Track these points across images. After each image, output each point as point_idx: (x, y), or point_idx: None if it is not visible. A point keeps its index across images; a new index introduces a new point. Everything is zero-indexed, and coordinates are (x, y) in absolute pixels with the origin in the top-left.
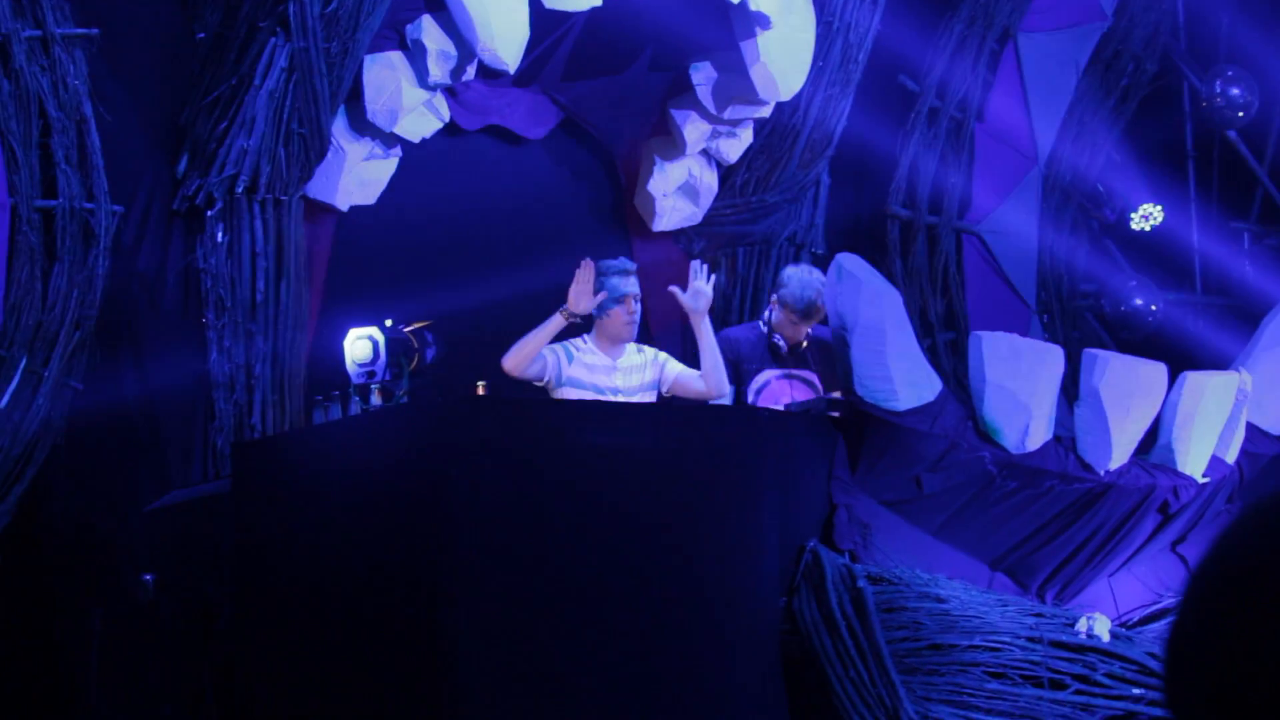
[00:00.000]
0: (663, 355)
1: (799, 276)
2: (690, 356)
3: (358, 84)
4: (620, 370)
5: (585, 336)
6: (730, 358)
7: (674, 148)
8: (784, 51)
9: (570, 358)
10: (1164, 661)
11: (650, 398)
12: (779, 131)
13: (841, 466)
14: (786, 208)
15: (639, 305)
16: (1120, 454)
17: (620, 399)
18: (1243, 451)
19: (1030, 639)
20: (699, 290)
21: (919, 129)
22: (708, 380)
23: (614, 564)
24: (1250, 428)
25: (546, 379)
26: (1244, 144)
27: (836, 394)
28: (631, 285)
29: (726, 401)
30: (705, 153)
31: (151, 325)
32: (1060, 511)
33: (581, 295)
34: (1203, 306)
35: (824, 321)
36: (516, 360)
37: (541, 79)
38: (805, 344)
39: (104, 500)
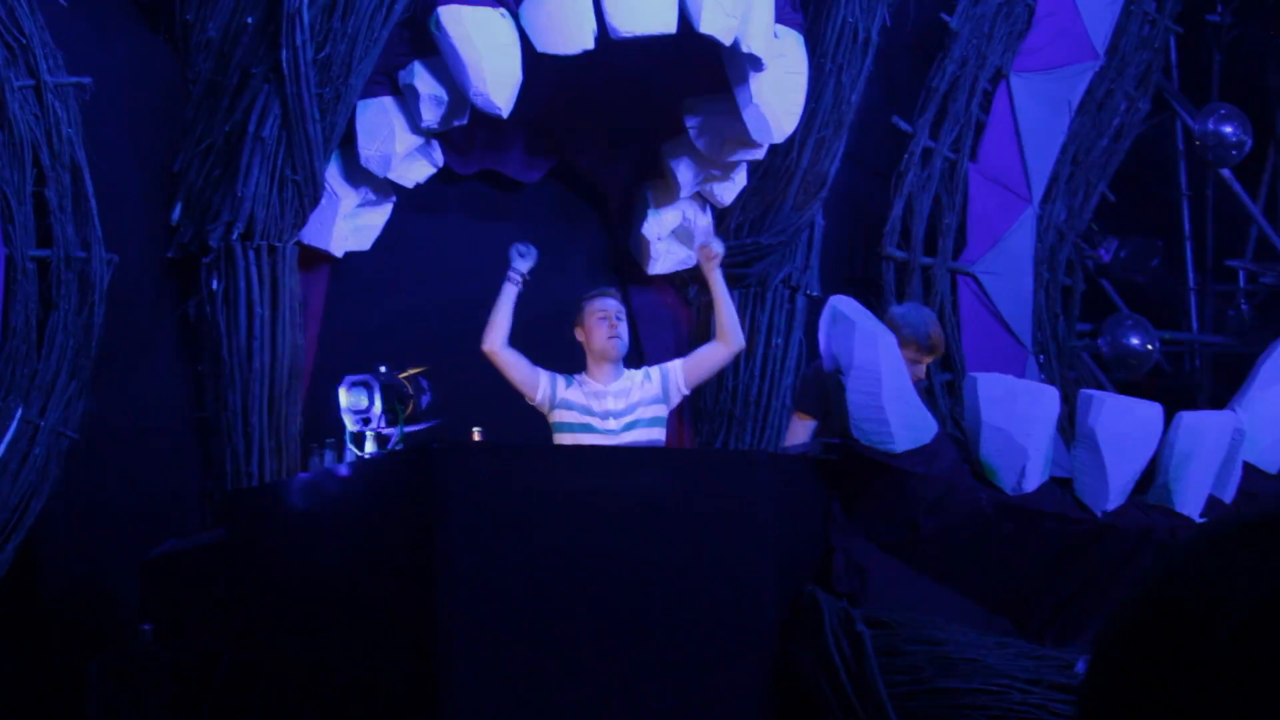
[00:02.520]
0: (662, 366)
1: (912, 314)
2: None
3: (351, 130)
4: (612, 394)
5: (580, 374)
6: None
7: (668, 191)
8: (777, 94)
9: (569, 382)
10: (1077, 707)
11: (658, 411)
12: (772, 174)
13: (838, 510)
14: (781, 250)
15: (622, 323)
16: (1117, 494)
17: (611, 423)
18: (1240, 491)
19: (1030, 681)
20: (707, 249)
21: (912, 170)
22: (726, 336)
23: (610, 609)
24: (1247, 467)
25: (540, 398)
26: (1237, 182)
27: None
28: (611, 304)
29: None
30: (699, 196)
31: (147, 374)
32: (1058, 553)
33: (514, 254)
34: (1199, 346)
35: (933, 354)
36: (490, 336)
37: (535, 123)
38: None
39: (101, 550)
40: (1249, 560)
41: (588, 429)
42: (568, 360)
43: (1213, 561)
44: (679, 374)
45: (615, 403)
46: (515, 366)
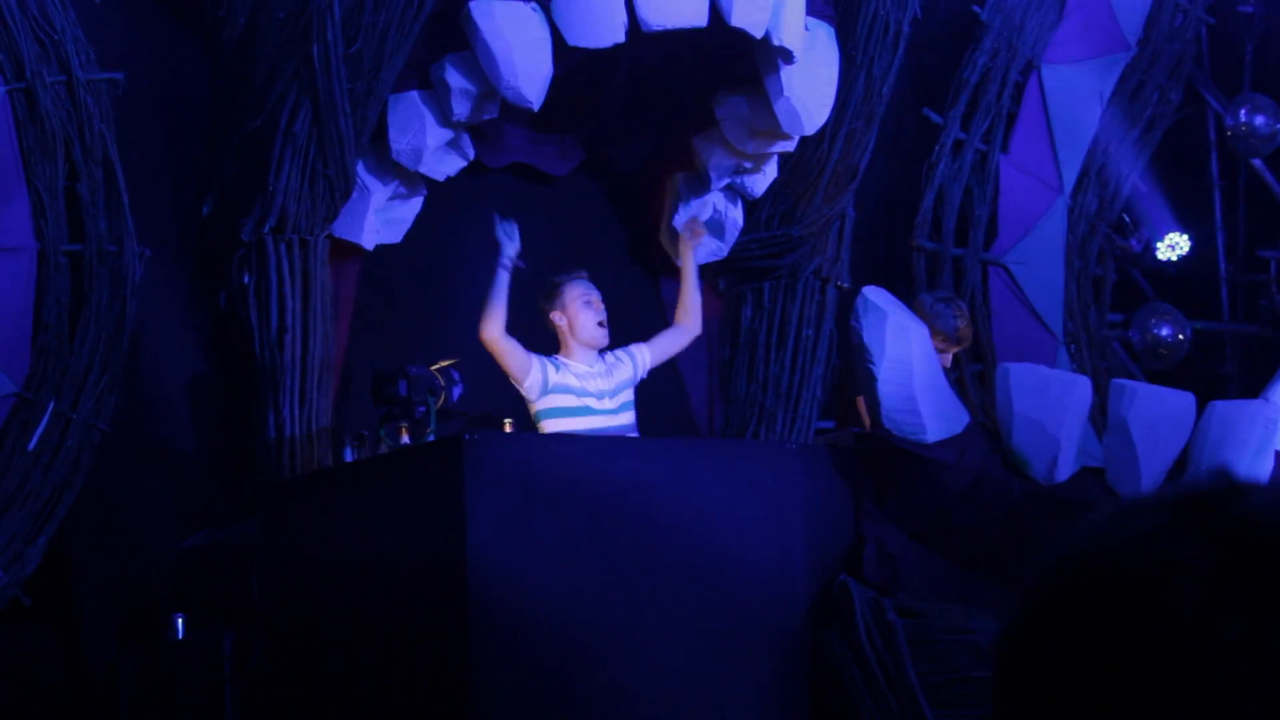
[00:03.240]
0: (628, 349)
1: (941, 304)
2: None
3: (382, 123)
4: (598, 376)
5: (556, 356)
6: None
7: (699, 183)
8: (808, 86)
9: (558, 367)
10: (993, 663)
11: (631, 395)
12: (803, 166)
13: (870, 500)
14: (812, 242)
15: (604, 308)
16: (1149, 484)
17: (607, 402)
18: (1272, 480)
19: None
20: (695, 223)
21: (943, 161)
22: (690, 317)
23: (641, 599)
24: (1279, 456)
25: (530, 383)
26: (1269, 172)
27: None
28: (593, 288)
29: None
30: (730, 188)
31: (178, 367)
32: None
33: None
34: (1230, 335)
35: (960, 345)
36: (489, 325)
37: (565, 116)
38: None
39: (133, 541)
40: (1198, 531)
41: (586, 410)
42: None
43: (1159, 532)
44: (645, 359)
45: (604, 383)
46: (512, 354)
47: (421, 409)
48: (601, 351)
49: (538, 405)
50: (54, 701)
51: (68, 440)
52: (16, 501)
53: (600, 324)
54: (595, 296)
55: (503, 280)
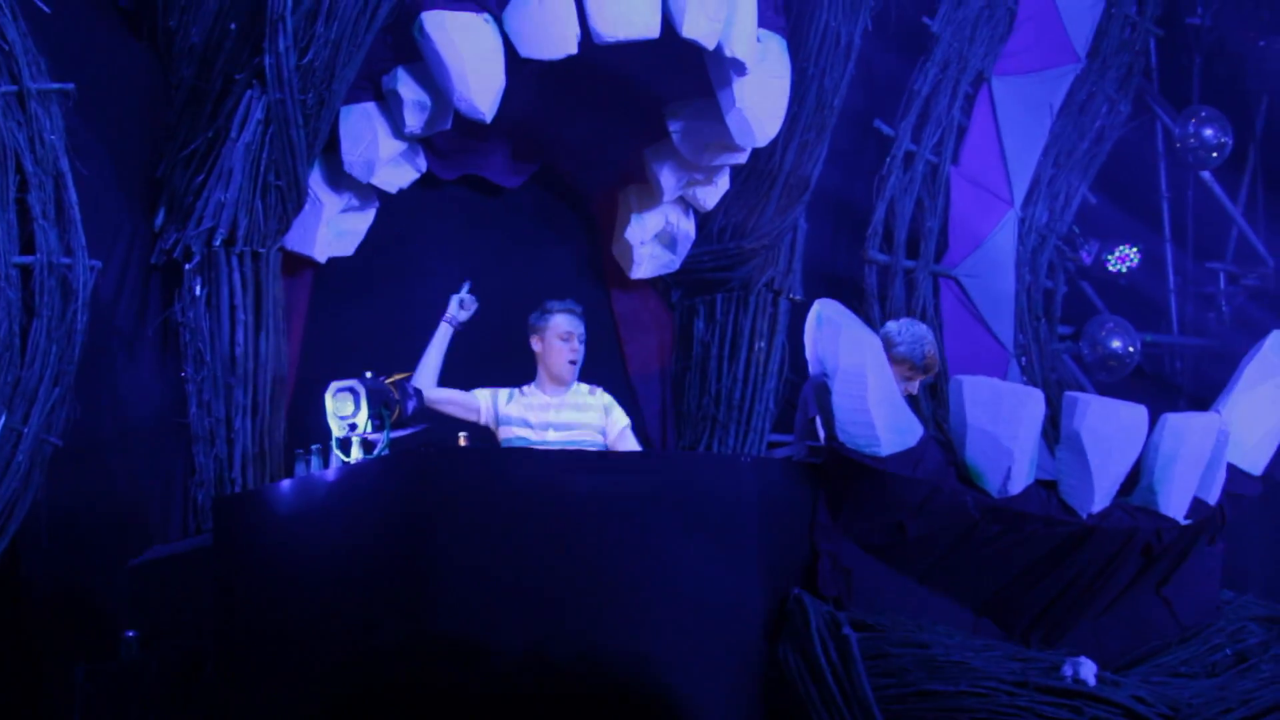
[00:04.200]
0: (615, 411)
1: (909, 331)
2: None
3: (334, 135)
4: (561, 407)
5: (528, 385)
6: None
7: (650, 195)
8: (759, 97)
9: (510, 397)
10: None
11: (594, 439)
12: (755, 178)
13: (824, 513)
14: (764, 254)
15: (583, 347)
16: (1102, 497)
17: (551, 434)
18: (1225, 493)
19: (1016, 684)
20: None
21: (895, 173)
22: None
23: (597, 612)
24: (1231, 469)
25: (485, 419)
26: (1218, 184)
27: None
28: (577, 325)
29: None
30: (682, 200)
31: (131, 380)
32: (1043, 555)
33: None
34: (1180, 348)
35: (926, 374)
36: (420, 379)
37: (518, 128)
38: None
39: (86, 556)
40: None
41: (523, 442)
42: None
43: None
44: (613, 436)
45: (557, 415)
46: (451, 402)
47: (376, 422)
48: (582, 382)
49: (499, 436)
50: (7, 716)
51: (18, 455)
52: None
53: (571, 362)
54: (576, 335)
55: (442, 335)
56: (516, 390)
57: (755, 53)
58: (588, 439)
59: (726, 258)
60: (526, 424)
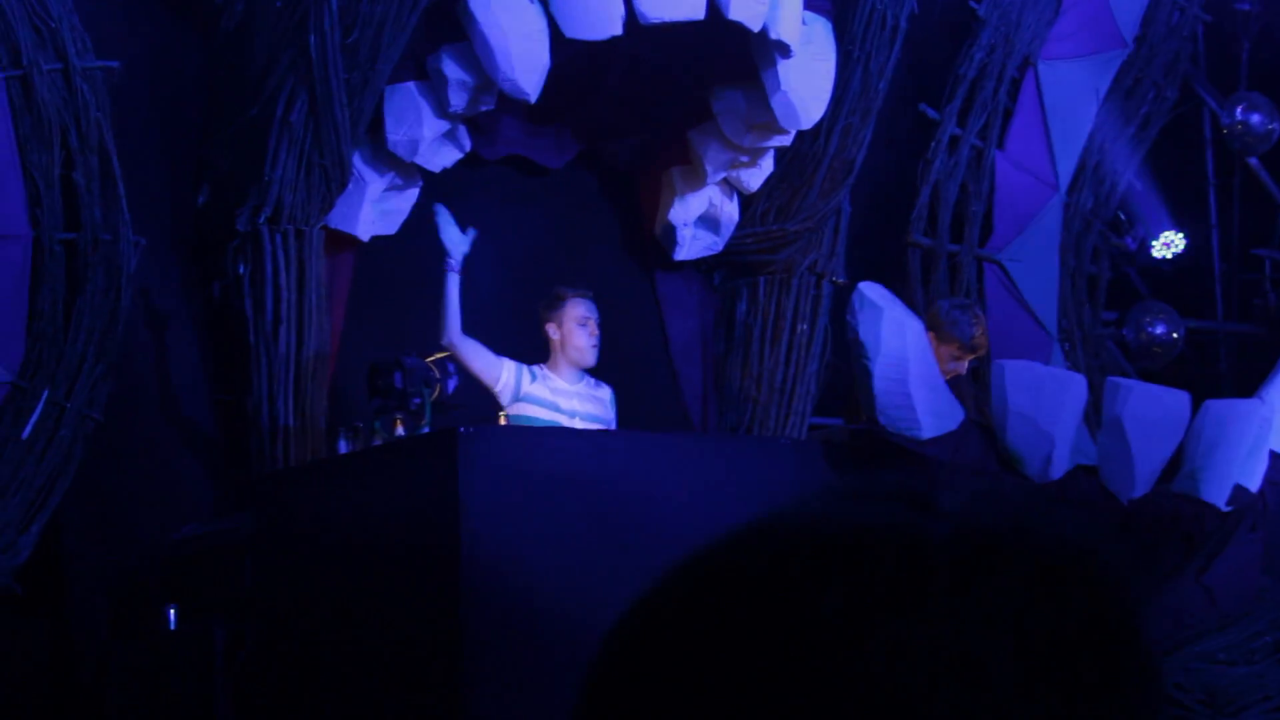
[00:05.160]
0: (613, 410)
1: (959, 311)
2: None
3: (378, 114)
4: (579, 396)
5: (541, 365)
6: None
7: (695, 177)
8: (804, 80)
9: (534, 377)
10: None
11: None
12: (799, 160)
13: None
14: (807, 236)
15: (599, 330)
16: (1143, 482)
17: (578, 423)
18: (1266, 480)
19: None
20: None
21: (939, 157)
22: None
23: (634, 593)
24: (1273, 456)
25: (501, 386)
26: (1265, 170)
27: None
28: (592, 310)
29: None
30: (726, 182)
31: (173, 357)
32: None
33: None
34: (1225, 334)
35: (974, 354)
36: (446, 330)
37: (562, 108)
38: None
39: (126, 531)
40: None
41: (554, 425)
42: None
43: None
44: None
45: (581, 405)
46: (476, 355)
47: (417, 400)
48: (589, 373)
49: (508, 410)
50: (44, 691)
51: (61, 429)
52: (10, 490)
53: (593, 345)
54: (593, 320)
55: (452, 284)
56: (538, 370)
57: (801, 35)
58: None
59: (770, 240)
60: (555, 408)
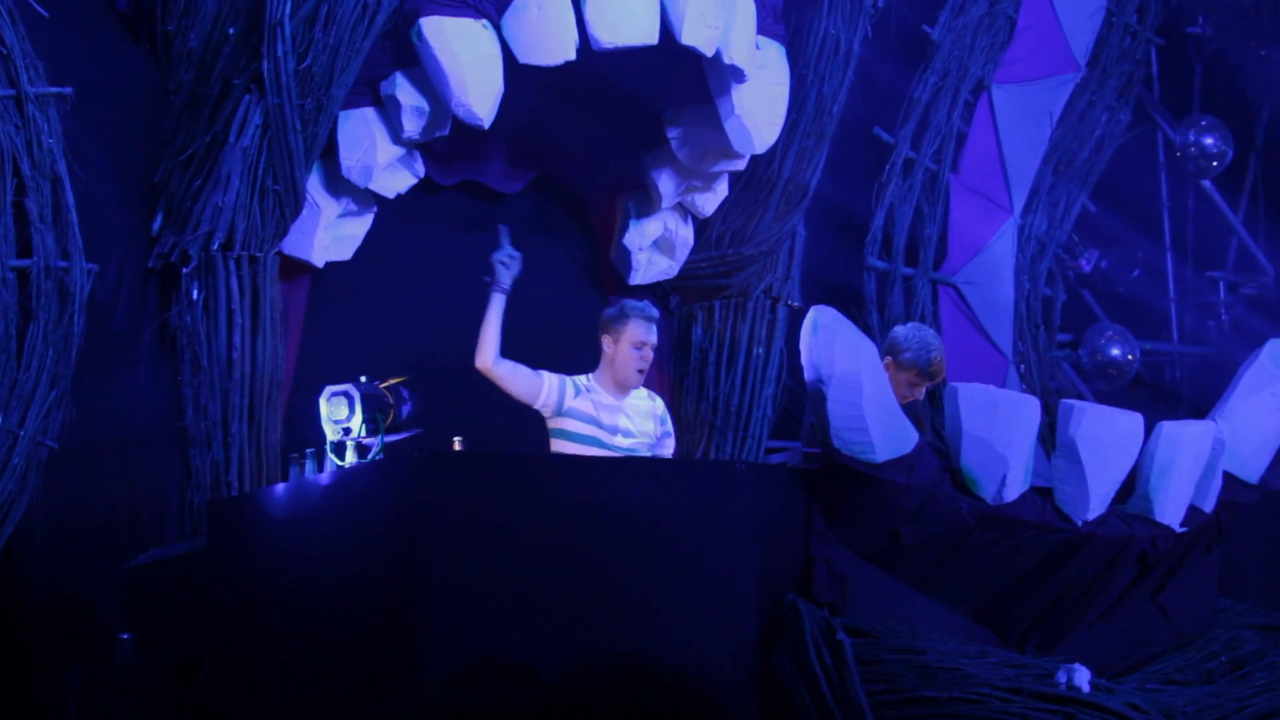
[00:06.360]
0: (669, 422)
1: (916, 337)
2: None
3: (332, 140)
4: (625, 412)
5: (590, 375)
6: None
7: (649, 202)
8: (759, 105)
9: (578, 391)
10: None
11: (646, 447)
12: (754, 184)
13: (819, 519)
14: (762, 260)
15: (653, 355)
16: (1098, 504)
17: (620, 439)
18: (1220, 501)
19: (1010, 690)
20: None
21: (894, 180)
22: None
23: (591, 619)
24: (1227, 477)
25: (543, 403)
26: (1218, 193)
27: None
28: (651, 334)
29: None
30: (680, 206)
31: (127, 383)
32: (1039, 562)
33: (499, 267)
34: (1179, 356)
35: (932, 380)
36: (483, 352)
37: (516, 134)
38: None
39: (81, 559)
40: None
41: (595, 442)
42: (556, 368)
43: None
44: (665, 446)
45: (627, 421)
46: (513, 379)
47: (370, 426)
48: (651, 395)
49: (551, 424)
50: (1, 719)
51: (14, 457)
52: None
53: (640, 371)
54: (650, 345)
55: (497, 304)
56: (584, 382)
57: (754, 60)
58: (643, 446)
59: (725, 264)
60: (598, 424)
